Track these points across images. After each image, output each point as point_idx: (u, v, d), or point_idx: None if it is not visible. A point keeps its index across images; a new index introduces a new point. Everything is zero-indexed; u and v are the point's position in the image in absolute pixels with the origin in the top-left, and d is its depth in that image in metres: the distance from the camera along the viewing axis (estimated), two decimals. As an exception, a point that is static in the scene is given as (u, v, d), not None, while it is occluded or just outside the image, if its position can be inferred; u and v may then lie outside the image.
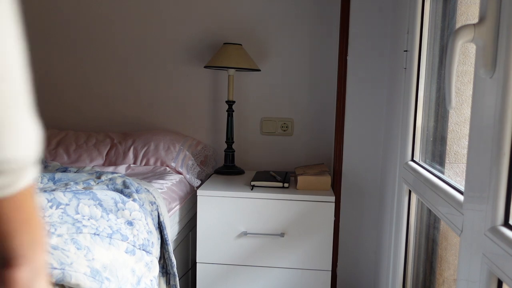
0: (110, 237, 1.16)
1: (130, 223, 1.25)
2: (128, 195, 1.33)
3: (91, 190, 1.24)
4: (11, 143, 0.38)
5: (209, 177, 2.01)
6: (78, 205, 1.17)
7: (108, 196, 1.24)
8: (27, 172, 0.41)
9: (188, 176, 1.91)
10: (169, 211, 1.62)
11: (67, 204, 1.15)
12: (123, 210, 1.25)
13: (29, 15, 2.24)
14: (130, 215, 1.26)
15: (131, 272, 1.19)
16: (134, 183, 1.41)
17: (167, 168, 1.93)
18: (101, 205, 1.21)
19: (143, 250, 1.25)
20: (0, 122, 0.38)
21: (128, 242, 1.21)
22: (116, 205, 1.25)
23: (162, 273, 1.42)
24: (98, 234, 1.14)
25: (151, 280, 1.27)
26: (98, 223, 1.17)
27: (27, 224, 0.44)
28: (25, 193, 0.42)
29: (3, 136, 0.38)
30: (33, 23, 2.24)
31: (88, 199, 1.20)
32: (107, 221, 1.20)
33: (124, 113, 2.26)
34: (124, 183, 1.39)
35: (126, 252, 1.19)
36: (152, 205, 1.39)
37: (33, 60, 2.27)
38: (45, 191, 1.32)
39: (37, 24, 2.24)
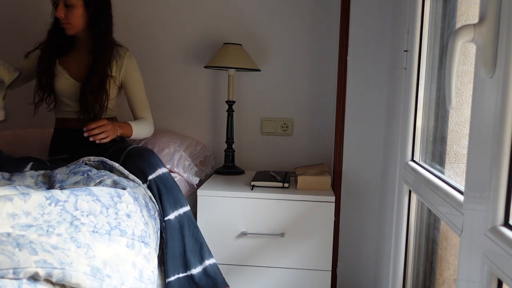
0: (109, 234, 1.17)
1: (128, 215, 1.26)
2: (122, 189, 1.34)
3: (87, 187, 1.24)
4: None
5: (209, 177, 2.01)
6: (76, 201, 1.17)
7: (103, 191, 1.25)
8: None
9: (185, 175, 1.91)
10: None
11: (65, 201, 1.15)
12: (120, 203, 1.26)
13: (25, 16, 2.25)
14: (127, 207, 1.27)
15: (132, 265, 1.19)
16: (123, 180, 1.41)
17: None
18: (99, 200, 1.22)
19: (141, 242, 1.26)
20: None
21: (127, 237, 1.21)
22: (113, 199, 1.26)
23: (159, 264, 1.43)
24: (97, 232, 1.15)
25: (152, 271, 1.28)
26: (97, 219, 1.17)
27: None
28: None
29: None
30: (32, 22, 2.24)
31: (86, 195, 1.20)
32: (106, 216, 1.20)
33: (123, 113, 2.25)
34: (114, 182, 1.39)
35: (126, 247, 1.20)
36: (145, 197, 1.40)
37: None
38: (41, 186, 1.33)
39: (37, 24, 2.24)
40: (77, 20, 1.66)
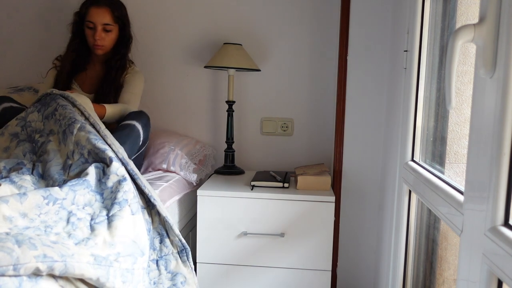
0: (108, 216, 1.20)
1: (119, 182, 1.28)
2: (107, 164, 1.35)
3: (85, 179, 1.24)
4: None
5: (209, 177, 2.01)
6: (74, 197, 1.17)
7: (93, 172, 1.28)
8: None
9: (182, 173, 1.90)
10: (167, 206, 1.63)
11: (64, 199, 1.15)
12: (108, 178, 1.29)
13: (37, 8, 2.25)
14: (117, 174, 1.31)
15: (143, 231, 1.23)
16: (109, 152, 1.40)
17: (160, 171, 1.92)
18: (93, 191, 1.24)
19: (139, 206, 1.32)
20: None
21: (129, 205, 1.23)
22: (103, 171, 1.30)
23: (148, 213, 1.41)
24: (94, 222, 1.15)
25: (146, 228, 1.33)
26: (93, 208, 1.19)
27: None
28: None
29: None
30: (40, 16, 2.24)
31: (84, 189, 1.21)
32: (102, 202, 1.23)
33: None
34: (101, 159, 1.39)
35: (132, 215, 1.22)
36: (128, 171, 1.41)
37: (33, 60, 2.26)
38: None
39: (42, 20, 2.24)
40: (111, 42, 1.78)
